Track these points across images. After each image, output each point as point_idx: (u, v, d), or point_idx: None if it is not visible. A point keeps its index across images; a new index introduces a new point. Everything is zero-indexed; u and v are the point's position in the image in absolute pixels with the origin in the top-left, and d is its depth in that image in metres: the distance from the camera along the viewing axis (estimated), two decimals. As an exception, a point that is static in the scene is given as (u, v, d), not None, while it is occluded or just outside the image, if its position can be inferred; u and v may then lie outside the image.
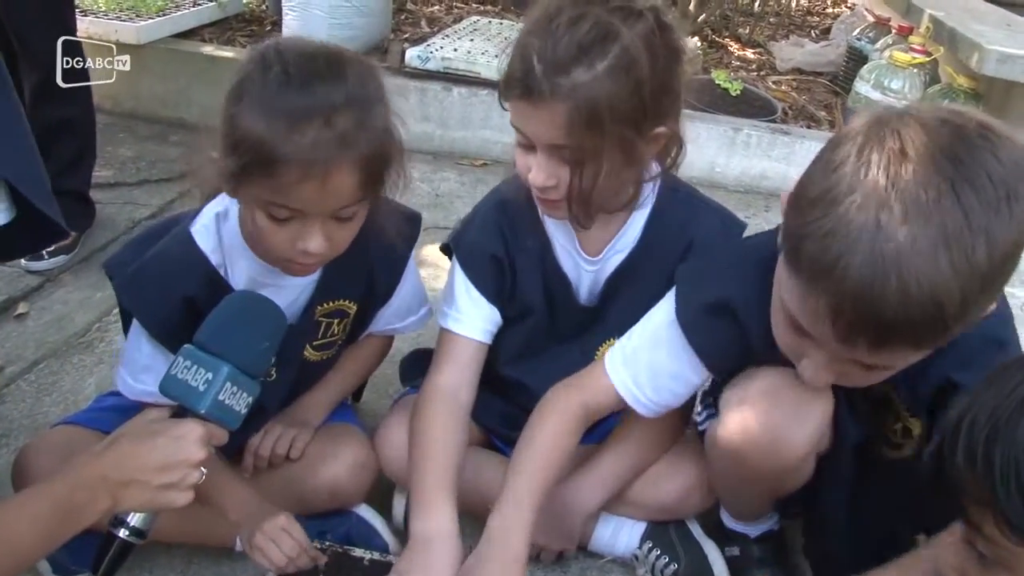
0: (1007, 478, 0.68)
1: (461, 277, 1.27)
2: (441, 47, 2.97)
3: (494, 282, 1.26)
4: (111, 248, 2.13)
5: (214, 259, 1.14)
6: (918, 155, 0.78)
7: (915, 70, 2.97)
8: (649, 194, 1.22)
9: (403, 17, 3.61)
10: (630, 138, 1.07)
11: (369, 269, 1.24)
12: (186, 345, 0.95)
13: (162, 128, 2.92)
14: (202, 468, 0.92)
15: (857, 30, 3.55)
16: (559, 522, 1.29)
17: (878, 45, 3.31)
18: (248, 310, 0.99)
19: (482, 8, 3.95)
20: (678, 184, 1.27)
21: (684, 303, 1.12)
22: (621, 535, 1.35)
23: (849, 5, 4.67)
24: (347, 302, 1.26)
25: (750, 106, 3.06)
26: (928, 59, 3.00)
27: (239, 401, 0.94)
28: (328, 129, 0.96)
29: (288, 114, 0.95)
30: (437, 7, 3.86)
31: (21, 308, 1.89)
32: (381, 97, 1.03)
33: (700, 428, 1.24)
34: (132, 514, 0.91)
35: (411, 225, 1.28)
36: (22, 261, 2.00)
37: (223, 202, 1.15)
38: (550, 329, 1.31)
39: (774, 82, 3.48)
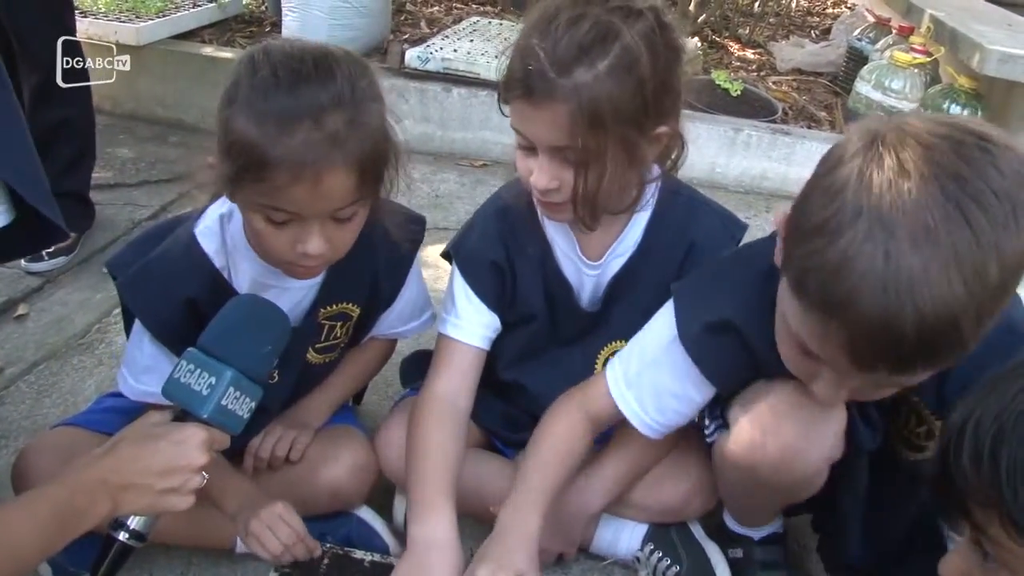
0: (1013, 479, 0.68)
1: (461, 283, 1.26)
2: (441, 48, 2.96)
3: (494, 288, 1.25)
4: (111, 249, 2.12)
5: (217, 261, 1.14)
6: (920, 175, 0.77)
7: (916, 70, 2.97)
8: (650, 196, 1.22)
9: (403, 18, 3.61)
10: (633, 138, 1.07)
11: (373, 272, 1.24)
12: (190, 349, 0.95)
13: (162, 129, 2.92)
14: (203, 473, 0.92)
15: (857, 30, 3.55)
16: (560, 524, 1.29)
17: (878, 45, 3.31)
18: (252, 314, 0.99)
19: (482, 9, 3.94)
20: (679, 187, 1.27)
21: (685, 324, 1.10)
22: (623, 537, 1.34)
23: (849, 5, 4.67)
24: (350, 305, 1.25)
25: (750, 106, 3.06)
26: (929, 59, 3.00)
27: (242, 406, 0.94)
28: (318, 130, 0.95)
29: (277, 116, 0.95)
30: (437, 8, 3.86)
31: (21, 309, 1.89)
32: (374, 95, 1.02)
33: (708, 440, 1.23)
34: (132, 517, 0.91)
35: (415, 228, 1.27)
36: (22, 262, 2.00)
37: (227, 203, 1.15)
38: (551, 334, 1.31)
39: (774, 82, 3.48)
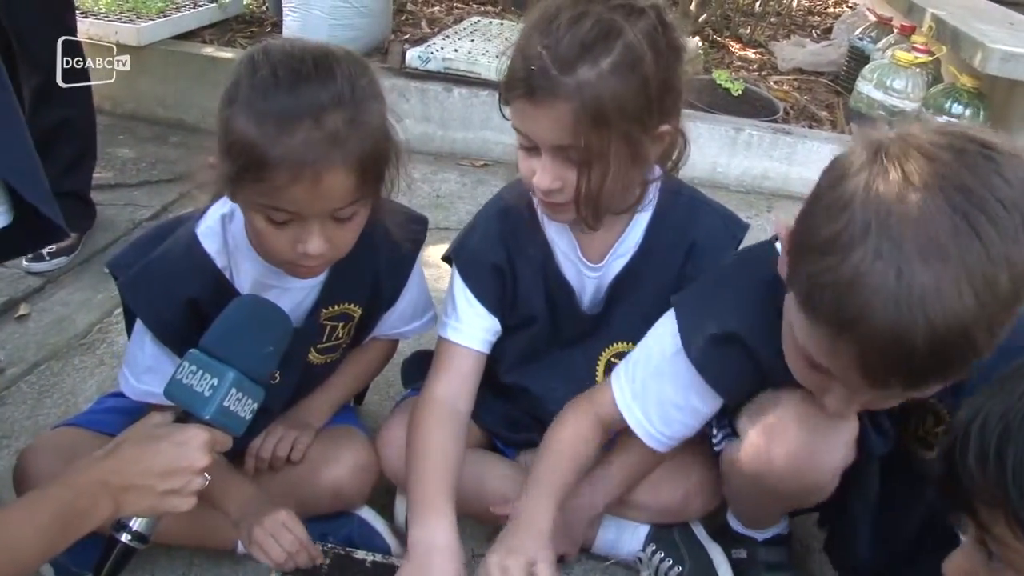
0: (1019, 479, 0.67)
1: (461, 286, 1.25)
2: (442, 48, 2.96)
3: (495, 291, 1.25)
4: (112, 249, 2.12)
5: (219, 261, 1.14)
6: (927, 189, 0.76)
7: (917, 70, 2.97)
8: (651, 197, 1.21)
9: (403, 18, 3.61)
10: (636, 136, 1.06)
11: (375, 273, 1.24)
12: (192, 350, 0.94)
13: (162, 129, 2.92)
14: (205, 474, 0.92)
15: (859, 30, 3.55)
16: (562, 525, 1.28)
17: (880, 45, 3.31)
18: (255, 315, 0.99)
19: (483, 9, 3.94)
20: (680, 187, 1.26)
21: (689, 337, 1.09)
22: (625, 537, 1.34)
23: (850, 5, 4.67)
24: (352, 306, 1.25)
25: (751, 106, 3.06)
26: (931, 58, 2.99)
27: (244, 407, 0.94)
28: (318, 129, 0.95)
29: (277, 116, 0.94)
30: (437, 8, 3.86)
31: (22, 309, 1.89)
32: (375, 94, 1.02)
33: (716, 448, 1.23)
34: (134, 518, 0.91)
35: (417, 228, 1.27)
36: (23, 262, 2.00)
37: (228, 203, 1.14)
38: (552, 336, 1.30)
39: (775, 82, 3.48)
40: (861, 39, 3.45)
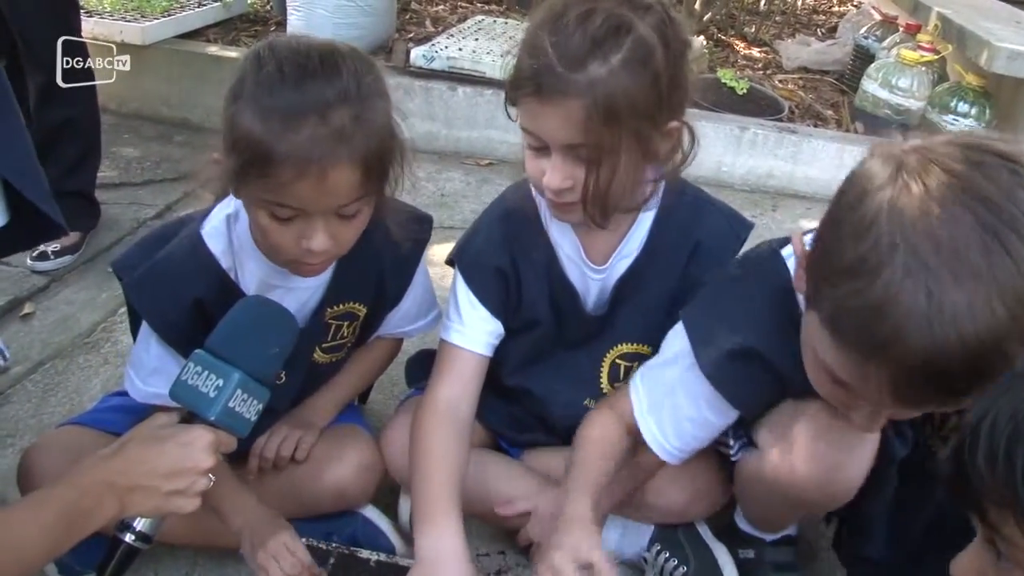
0: (1029, 479, 0.67)
1: (464, 289, 1.24)
2: (446, 46, 2.96)
3: (498, 294, 1.24)
4: (116, 248, 2.13)
5: (224, 262, 1.13)
6: (952, 205, 0.75)
7: (923, 68, 2.96)
8: (654, 196, 1.20)
9: (408, 16, 3.61)
10: (647, 132, 1.05)
11: (379, 272, 1.23)
12: (197, 350, 0.94)
13: (167, 128, 2.93)
14: (210, 475, 0.91)
15: (864, 28, 3.54)
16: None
17: (885, 43, 3.30)
18: (260, 316, 0.99)
19: (487, 7, 3.94)
20: (684, 186, 1.25)
21: (704, 354, 1.08)
22: (629, 538, 1.34)
23: (856, 3, 4.66)
24: (357, 305, 1.25)
25: (756, 105, 3.05)
26: (936, 57, 2.98)
27: (249, 408, 0.94)
28: (324, 125, 0.94)
29: (282, 112, 0.94)
30: (441, 6, 3.86)
31: (27, 308, 1.89)
32: (380, 92, 1.02)
33: (733, 459, 1.22)
34: (138, 519, 0.91)
35: (421, 227, 1.26)
36: (28, 261, 2.00)
37: (233, 203, 1.14)
38: (556, 338, 1.29)
39: (780, 81, 3.47)
40: (866, 38, 3.45)
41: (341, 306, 1.23)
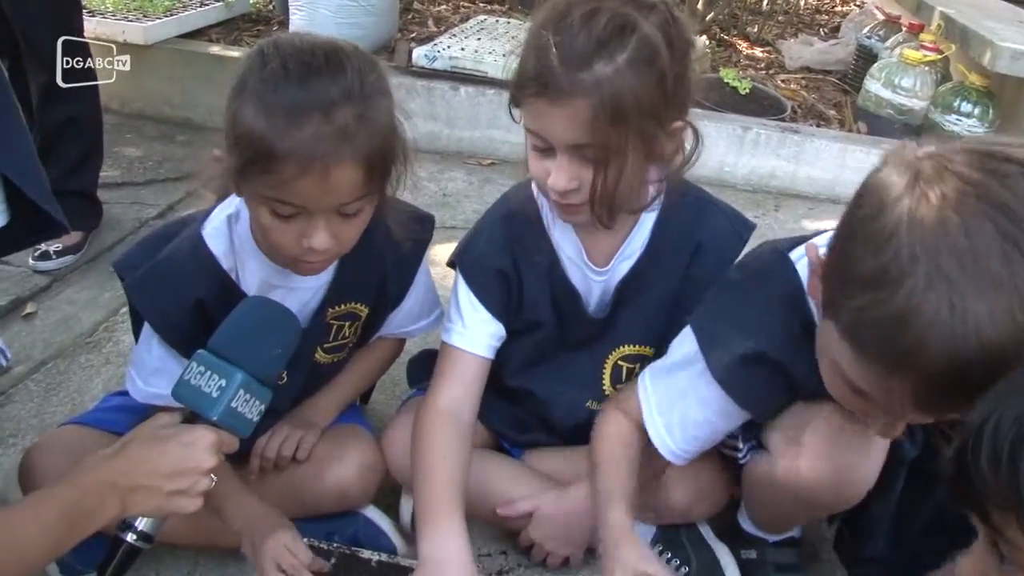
0: (1032, 482, 0.66)
1: (466, 291, 1.24)
2: (448, 46, 2.96)
3: (500, 296, 1.23)
4: (118, 248, 2.13)
5: (225, 262, 1.13)
6: (972, 216, 0.75)
7: (926, 68, 2.95)
8: (656, 197, 1.20)
9: (410, 16, 3.61)
10: (652, 132, 1.04)
11: (381, 272, 1.23)
12: (200, 351, 0.94)
13: (169, 128, 2.93)
14: (212, 475, 0.91)
15: (867, 28, 3.54)
16: (567, 527, 1.28)
17: (888, 43, 3.29)
18: (262, 316, 0.99)
19: (489, 7, 3.94)
20: (687, 186, 1.24)
21: (716, 359, 1.07)
22: (631, 538, 1.33)
23: (858, 3, 4.65)
24: (359, 305, 1.24)
25: (759, 105, 3.05)
26: (939, 57, 2.98)
27: (251, 409, 0.94)
28: (327, 123, 0.94)
29: (286, 109, 0.94)
30: (444, 6, 3.86)
31: (29, 308, 1.89)
32: (383, 90, 1.02)
33: (741, 462, 1.22)
34: (140, 519, 0.91)
35: (423, 227, 1.26)
36: (30, 260, 2.00)
37: (234, 203, 1.14)
38: (559, 340, 1.29)
39: (783, 81, 3.47)
40: (869, 37, 3.44)
41: (343, 306, 1.23)
